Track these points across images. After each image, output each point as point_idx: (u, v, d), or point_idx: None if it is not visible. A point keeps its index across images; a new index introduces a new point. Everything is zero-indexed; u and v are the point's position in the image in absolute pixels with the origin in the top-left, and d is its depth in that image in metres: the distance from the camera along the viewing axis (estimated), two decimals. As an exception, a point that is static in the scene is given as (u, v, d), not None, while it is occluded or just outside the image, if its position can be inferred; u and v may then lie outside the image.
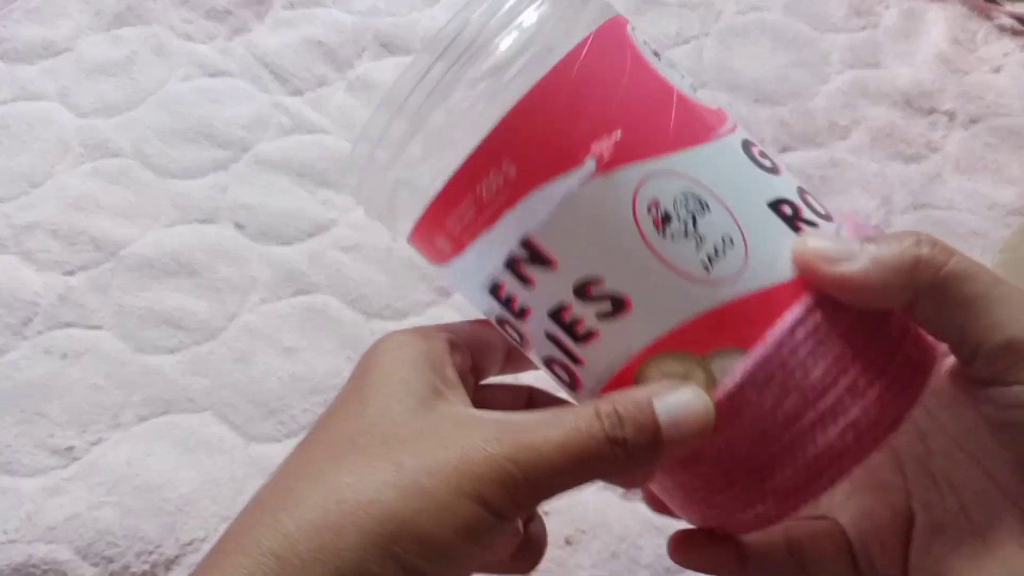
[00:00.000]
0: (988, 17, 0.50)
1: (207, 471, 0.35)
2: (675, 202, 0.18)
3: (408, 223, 0.20)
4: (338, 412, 0.19)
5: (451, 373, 0.20)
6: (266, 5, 0.50)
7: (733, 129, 0.19)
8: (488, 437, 0.17)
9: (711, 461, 0.18)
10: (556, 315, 0.19)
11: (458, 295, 0.40)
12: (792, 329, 0.17)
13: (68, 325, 0.38)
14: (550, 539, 0.33)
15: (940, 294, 0.17)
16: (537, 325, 0.19)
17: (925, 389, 0.18)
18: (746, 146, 0.19)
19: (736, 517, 0.19)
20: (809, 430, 0.18)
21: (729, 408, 0.18)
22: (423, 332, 0.20)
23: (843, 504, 0.23)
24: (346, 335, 0.38)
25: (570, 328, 0.19)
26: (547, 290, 0.19)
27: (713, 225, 0.18)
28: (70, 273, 0.40)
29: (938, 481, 0.21)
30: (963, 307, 0.17)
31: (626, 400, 0.18)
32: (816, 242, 0.18)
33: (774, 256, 0.18)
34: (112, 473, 0.34)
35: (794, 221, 0.18)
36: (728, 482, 0.18)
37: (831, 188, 0.43)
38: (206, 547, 0.33)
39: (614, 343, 0.18)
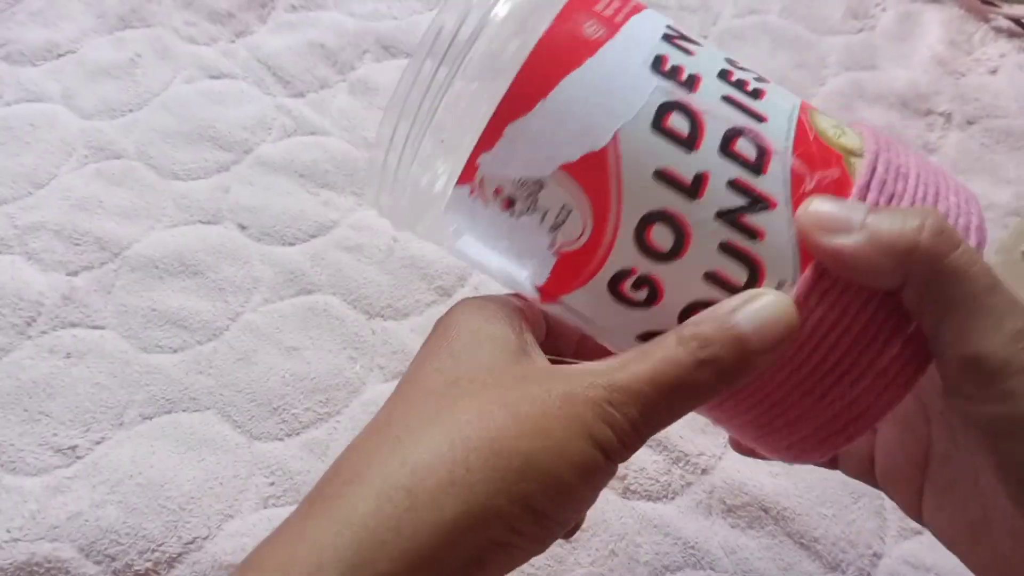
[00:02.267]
0: (984, 19, 0.50)
1: (210, 470, 0.35)
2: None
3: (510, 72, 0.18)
4: (427, 366, 0.19)
5: (529, 336, 0.20)
6: (268, 8, 0.51)
7: (601, 263, 0.19)
8: (584, 383, 0.17)
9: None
10: (724, 76, 0.19)
11: (459, 295, 0.40)
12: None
13: (72, 325, 0.39)
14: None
15: (928, 287, 0.17)
16: (711, 92, 0.18)
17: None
18: (614, 281, 0.19)
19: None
20: None
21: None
22: (498, 299, 0.21)
23: (877, 431, 0.23)
24: (348, 335, 0.39)
25: (741, 87, 0.19)
26: (705, 56, 0.19)
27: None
28: (74, 273, 0.40)
29: (958, 438, 0.20)
30: (945, 307, 0.16)
31: (707, 319, 0.17)
32: (818, 206, 0.17)
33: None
34: (115, 472, 0.34)
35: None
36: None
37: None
38: (209, 545, 0.33)
39: (780, 98, 0.19)
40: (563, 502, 0.17)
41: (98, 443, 0.36)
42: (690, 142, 0.18)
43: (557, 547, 0.33)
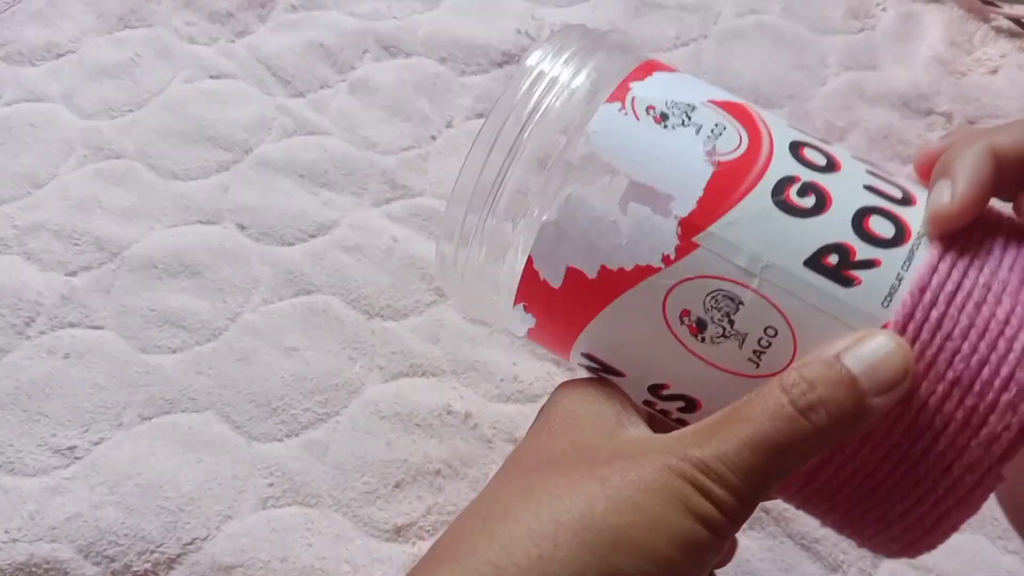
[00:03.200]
0: (985, 19, 0.50)
1: (209, 470, 0.35)
2: (705, 306, 0.17)
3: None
4: (528, 446, 0.20)
5: (631, 411, 0.19)
6: (268, 8, 0.51)
7: (763, 171, 0.18)
8: (678, 453, 0.16)
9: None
10: (648, 404, 0.20)
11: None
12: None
13: (71, 325, 0.39)
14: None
15: None
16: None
17: None
18: (778, 189, 0.17)
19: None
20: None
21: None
22: (599, 381, 0.20)
23: None
24: (347, 335, 0.39)
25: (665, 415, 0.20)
26: (631, 389, 0.20)
27: (751, 319, 0.17)
28: (73, 273, 0.40)
29: None
30: None
31: (811, 363, 0.16)
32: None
33: (826, 328, 0.17)
34: (114, 472, 0.34)
35: (840, 271, 0.17)
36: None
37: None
38: (207, 546, 0.33)
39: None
40: (659, 574, 0.16)
41: (97, 444, 0.35)
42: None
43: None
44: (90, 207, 0.42)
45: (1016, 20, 0.50)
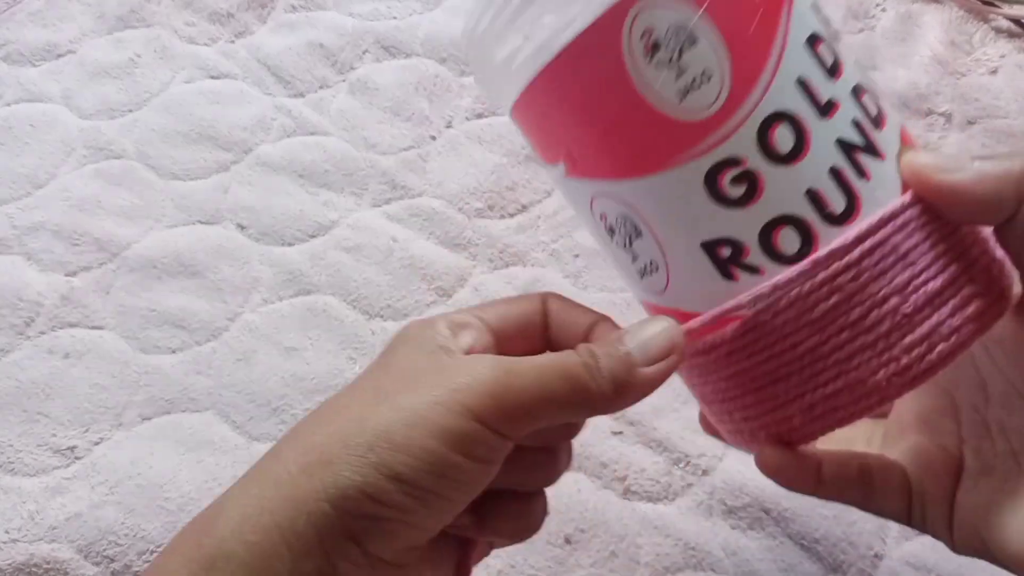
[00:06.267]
0: (985, 19, 0.50)
1: (209, 470, 0.35)
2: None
3: None
4: (358, 377, 0.22)
5: (462, 342, 0.21)
6: (268, 8, 0.51)
7: (710, 148, 0.18)
8: (475, 364, 0.19)
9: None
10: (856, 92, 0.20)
11: (459, 295, 0.40)
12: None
13: (71, 325, 0.39)
14: (549, 538, 0.33)
15: None
16: (848, 78, 0.19)
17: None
18: (711, 176, 0.18)
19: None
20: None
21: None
22: (428, 320, 0.22)
23: (897, 442, 0.24)
24: (347, 335, 0.39)
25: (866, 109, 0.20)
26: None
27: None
28: (73, 274, 0.40)
29: (991, 429, 0.21)
30: None
31: (600, 343, 0.20)
32: (926, 155, 0.19)
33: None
34: (114, 472, 0.34)
35: (728, 266, 0.19)
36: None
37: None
38: (208, 546, 0.33)
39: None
40: (426, 467, 0.17)
41: (97, 444, 0.35)
42: (832, 71, 0.19)
43: (557, 549, 0.33)
44: (90, 207, 0.42)
45: (1015, 20, 0.50)
